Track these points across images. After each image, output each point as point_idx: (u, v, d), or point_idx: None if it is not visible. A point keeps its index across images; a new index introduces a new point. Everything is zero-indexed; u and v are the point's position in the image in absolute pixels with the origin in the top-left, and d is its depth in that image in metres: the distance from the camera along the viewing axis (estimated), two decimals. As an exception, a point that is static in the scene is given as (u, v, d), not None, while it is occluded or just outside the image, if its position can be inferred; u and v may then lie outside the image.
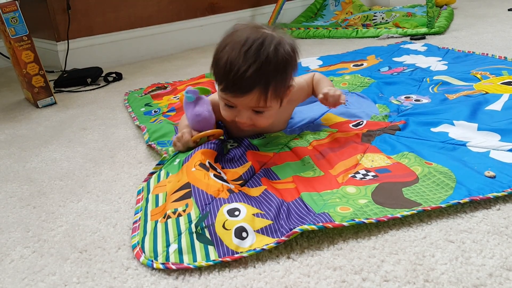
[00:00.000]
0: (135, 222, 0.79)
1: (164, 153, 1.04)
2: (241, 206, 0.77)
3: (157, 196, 0.84)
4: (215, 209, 0.76)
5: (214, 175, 0.86)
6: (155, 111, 1.40)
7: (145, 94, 1.62)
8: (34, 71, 1.57)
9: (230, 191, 0.81)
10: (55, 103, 1.64)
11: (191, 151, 0.96)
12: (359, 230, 0.73)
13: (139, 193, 0.89)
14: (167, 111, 1.37)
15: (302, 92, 1.13)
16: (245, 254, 0.68)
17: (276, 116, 1.00)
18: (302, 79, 1.13)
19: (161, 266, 0.67)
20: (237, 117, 0.95)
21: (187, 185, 0.83)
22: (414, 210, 0.73)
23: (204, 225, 0.73)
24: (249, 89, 0.88)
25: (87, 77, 1.87)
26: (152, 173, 0.96)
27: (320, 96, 1.04)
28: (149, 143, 1.14)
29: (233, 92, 0.90)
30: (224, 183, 0.84)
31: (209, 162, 0.91)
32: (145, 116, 1.38)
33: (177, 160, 0.97)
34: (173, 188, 0.84)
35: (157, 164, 0.99)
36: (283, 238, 0.69)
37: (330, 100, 1.03)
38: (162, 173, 0.92)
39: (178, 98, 1.49)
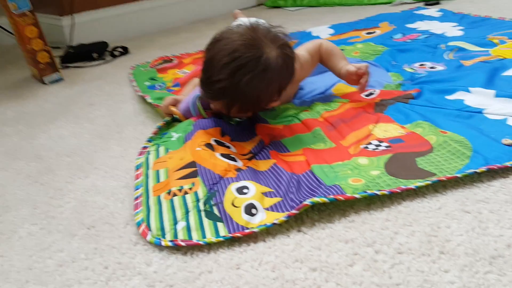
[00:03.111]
0: (136, 198, 0.77)
1: (154, 132, 1.01)
2: (250, 184, 0.76)
3: (157, 172, 0.82)
4: (223, 188, 0.75)
5: (221, 154, 0.84)
6: (159, 85, 1.38)
7: (151, 67, 1.60)
8: (38, 46, 1.55)
9: (238, 170, 0.80)
10: (62, 79, 1.63)
11: (191, 127, 0.94)
12: (372, 202, 0.71)
13: (137, 168, 0.86)
14: (172, 86, 1.35)
15: (306, 69, 1.08)
16: (255, 229, 0.66)
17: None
18: (306, 53, 1.07)
19: (169, 244, 0.66)
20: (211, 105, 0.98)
21: (192, 164, 0.81)
22: (428, 180, 0.71)
23: (212, 203, 0.72)
24: (214, 98, 0.89)
25: (93, 52, 1.85)
26: (145, 147, 0.94)
27: (344, 72, 1.04)
28: (153, 103, 1.19)
29: (204, 91, 0.90)
30: (231, 162, 0.82)
31: (215, 140, 0.89)
32: (149, 90, 1.36)
33: (175, 135, 0.95)
34: (176, 165, 0.82)
35: (147, 140, 0.97)
36: (293, 211, 0.68)
37: (363, 83, 1.01)
38: (161, 149, 0.90)
39: (183, 73, 1.46)
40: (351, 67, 1.02)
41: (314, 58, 1.09)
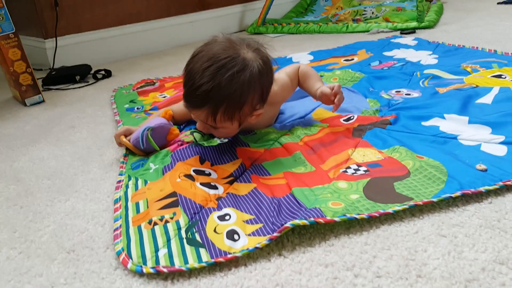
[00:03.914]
0: (115, 230, 0.76)
1: (120, 167, 1.00)
2: (231, 211, 0.77)
3: (137, 204, 0.82)
4: (205, 217, 0.75)
5: (201, 183, 0.85)
6: (137, 108, 1.39)
7: (133, 90, 1.60)
8: (21, 69, 1.54)
9: (218, 198, 0.81)
10: (43, 101, 1.62)
11: (169, 158, 0.96)
12: (351, 225, 0.72)
13: (116, 202, 0.85)
14: (150, 109, 1.36)
15: (286, 91, 1.11)
16: (238, 254, 0.66)
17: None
18: (285, 76, 1.11)
19: (151, 271, 0.65)
20: (197, 124, 0.98)
21: (173, 194, 0.82)
22: (405, 205, 0.73)
23: (194, 230, 0.72)
24: (198, 106, 0.90)
25: (76, 75, 1.85)
26: (119, 181, 0.93)
27: (319, 93, 1.06)
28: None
29: (186, 102, 0.92)
30: (212, 192, 0.82)
31: (194, 170, 0.90)
32: (127, 112, 1.36)
33: (153, 167, 0.95)
34: (156, 196, 0.83)
35: (119, 174, 0.97)
36: (275, 234, 0.68)
37: (337, 103, 1.04)
38: (140, 182, 0.90)
39: (163, 97, 1.47)
40: (325, 88, 1.05)
41: (293, 81, 1.12)
